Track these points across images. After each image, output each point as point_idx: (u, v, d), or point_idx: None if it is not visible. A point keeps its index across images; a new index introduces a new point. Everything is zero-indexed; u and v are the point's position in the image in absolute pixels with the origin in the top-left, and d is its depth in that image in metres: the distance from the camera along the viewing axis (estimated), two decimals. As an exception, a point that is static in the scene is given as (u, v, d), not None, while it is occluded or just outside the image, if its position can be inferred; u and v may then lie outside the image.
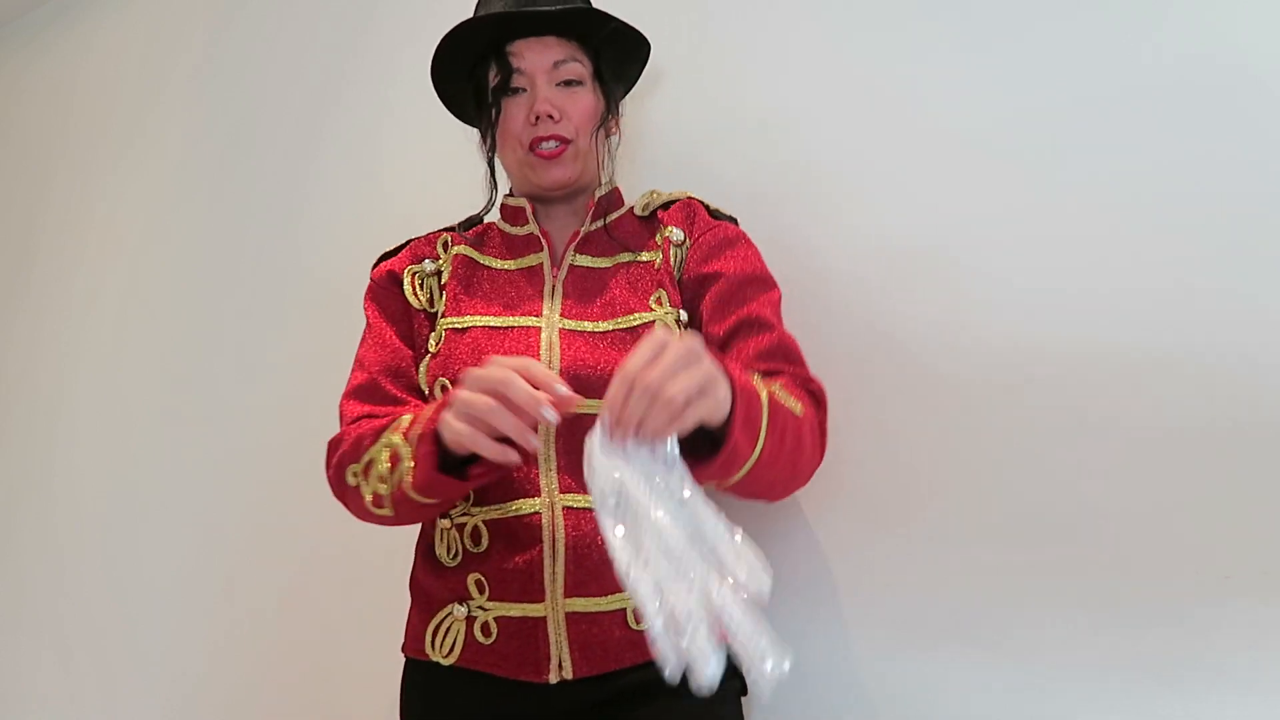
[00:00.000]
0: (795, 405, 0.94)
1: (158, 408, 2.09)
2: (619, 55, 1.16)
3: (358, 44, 1.83)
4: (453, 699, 1.02)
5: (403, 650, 1.09)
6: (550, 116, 1.07)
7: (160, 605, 2.00)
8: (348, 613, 1.67)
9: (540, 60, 1.08)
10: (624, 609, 1.00)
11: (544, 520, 0.98)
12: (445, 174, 1.62)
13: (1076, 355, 1.03)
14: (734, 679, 1.08)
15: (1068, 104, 1.06)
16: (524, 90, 1.09)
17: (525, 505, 0.99)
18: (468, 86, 1.17)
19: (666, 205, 1.16)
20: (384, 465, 0.94)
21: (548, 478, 1.00)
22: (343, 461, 1.01)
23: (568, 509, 0.98)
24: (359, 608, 1.65)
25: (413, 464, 0.90)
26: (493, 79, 1.10)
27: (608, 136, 1.16)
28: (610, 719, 0.99)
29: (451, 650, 1.01)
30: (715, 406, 0.78)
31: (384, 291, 1.13)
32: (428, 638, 1.03)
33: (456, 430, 0.84)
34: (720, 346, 1.05)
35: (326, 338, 1.76)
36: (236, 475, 1.90)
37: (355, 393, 1.08)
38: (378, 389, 1.07)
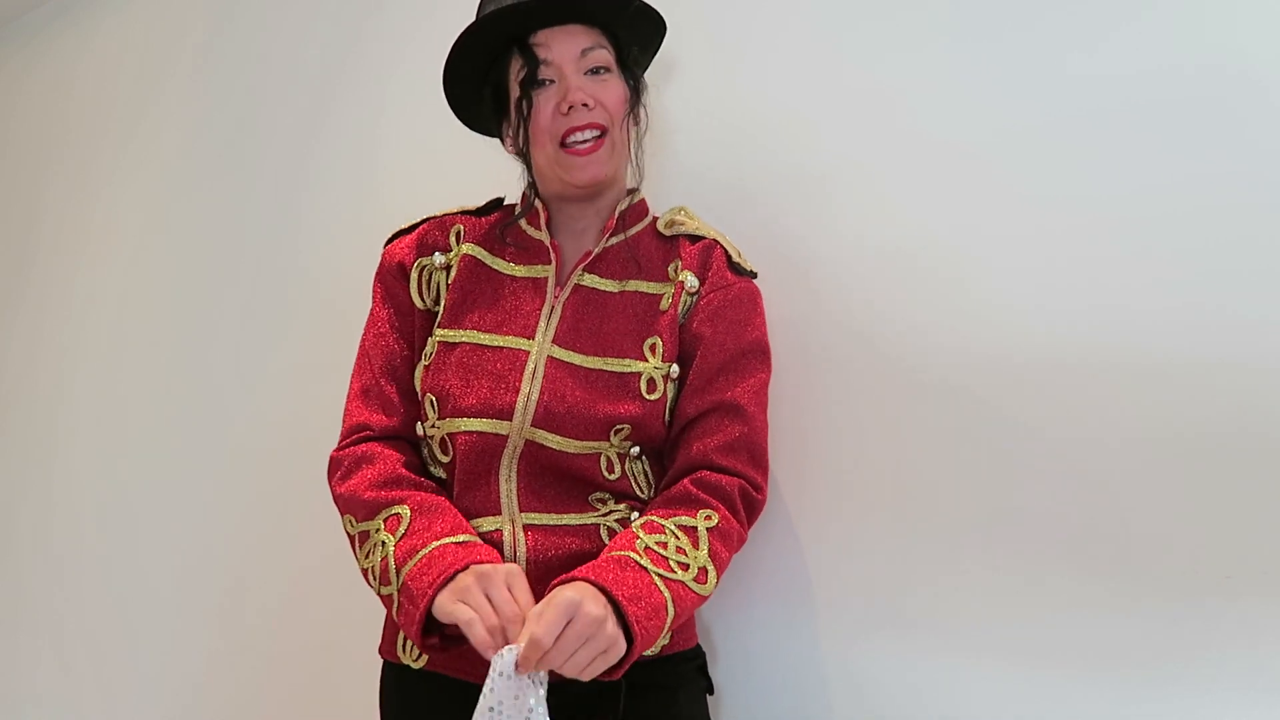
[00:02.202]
0: (705, 588, 0.97)
1: (156, 408, 2.09)
2: (638, 42, 1.13)
3: (356, 44, 1.83)
4: (423, 701, 1.05)
5: (379, 652, 1.11)
6: (585, 105, 1.03)
7: (159, 606, 2.00)
8: (347, 614, 1.67)
9: (568, 49, 1.04)
10: None
11: (505, 537, 1.00)
12: (444, 173, 1.62)
13: (1075, 357, 1.02)
14: (701, 678, 1.09)
15: (1064, 111, 1.06)
16: (552, 82, 1.04)
17: (486, 523, 1.01)
18: (482, 89, 1.12)
19: (693, 238, 1.12)
20: (375, 565, 0.98)
21: (509, 498, 1.01)
22: (339, 505, 1.05)
23: (528, 527, 1.00)
24: (358, 609, 1.65)
25: (399, 607, 0.94)
26: (517, 73, 1.06)
27: (635, 125, 1.13)
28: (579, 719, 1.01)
29: (421, 654, 1.04)
30: (613, 659, 0.86)
31: (392, 280, 1.12)
32: (399, 641, 1.06)
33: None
34: (689, 423, 1.05)
35: (326, 338, 1.76)
36: (235, 475, 1.90)
37: (360, 395, 1.10)
38: (379, 393, 1.09)
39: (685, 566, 0.95)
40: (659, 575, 0.92)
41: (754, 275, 1.13)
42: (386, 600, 0.97)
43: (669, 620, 0.91)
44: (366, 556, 1.00)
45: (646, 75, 1.21)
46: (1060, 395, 1.03)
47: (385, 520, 0.98)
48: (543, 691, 0.84)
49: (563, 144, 1.05)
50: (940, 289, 1.12)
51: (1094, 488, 1.01)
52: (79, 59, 2.55)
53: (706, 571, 0.96)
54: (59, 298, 2.44)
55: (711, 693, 1.12)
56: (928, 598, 1.09)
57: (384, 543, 0.97)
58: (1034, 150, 1.07)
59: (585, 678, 0.85)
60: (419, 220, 1.14)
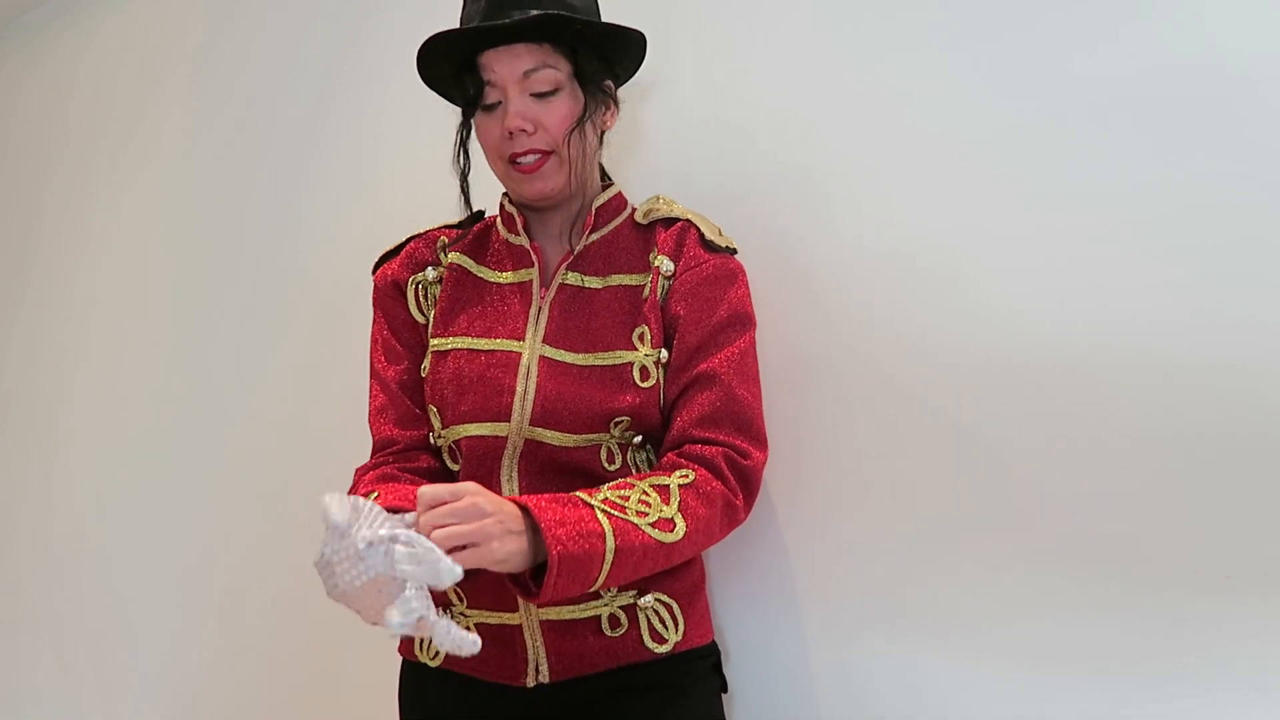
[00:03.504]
0: (669, 535, 0.94)
1: (156, 408, 2.09)
2: (603, 47, 1.10)
3: (356, 44, 1.82)
4: (440, 698, 1.07)
5: (399, 650, 1.12)
6: (523, 131, 1.03)
7: (159, 605, 2.01)
8: (348, 613, 1.66)
9: (510, 71, 1.03)
10: (598, 616, 1.02)
11: None
12: (444, 174, 1.61)
13: (1074, 357, 1.02)
14: (715, 676, 1.09)
15: (1062, 111, 1.05)
16: (499, 103, 1.05)
17: None
18: (455, 89, 1.14)
19: (668, 223, 1.12)
20: None
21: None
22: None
23: None
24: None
25: None
26: (467, 94, 1.07)
27: (600, 131, 1.12)
28: (591, 718, 1.02)
29: (438, 653, 1.06)
30: (484, 558, 0.83)
31: (389, 300, 1.14)
32: (416, 639, 1.08)
33: None
34: (672, 404, 1.06)
35: (326, 338, 1.76)
36: (235, 475, 1.90)
37: (381, 413, 1.12)
38: (401, 407, 1.11)
39: (644, 515, 0.93)
40: (603, 511, 0.91)
41: (733, 251, 1.12)
42: None
43: (608, 551, 0.88)
44: None
45: (640, 76, 1.20)
46: (1058, 395, 1.03)
47: None
48: (384, 532, 0.79)
49: (510, 162, 1.06)
50: (938, 289, 1.11)
51: (1093, 487, 1.01)
52: (79, 59, 2.55)
53: (673, 522, 0.94)
54: (59, 298, 2.43)
55: (725, 691, 1.12)
56: (932, 597, 1.10)
57: None
58: (1032, 150, 1.07)
59: (457, 558, 0.80)
60: (403, 241, 1.16)
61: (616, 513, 0.92)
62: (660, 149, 1.36)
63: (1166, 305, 0.98)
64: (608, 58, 1.12)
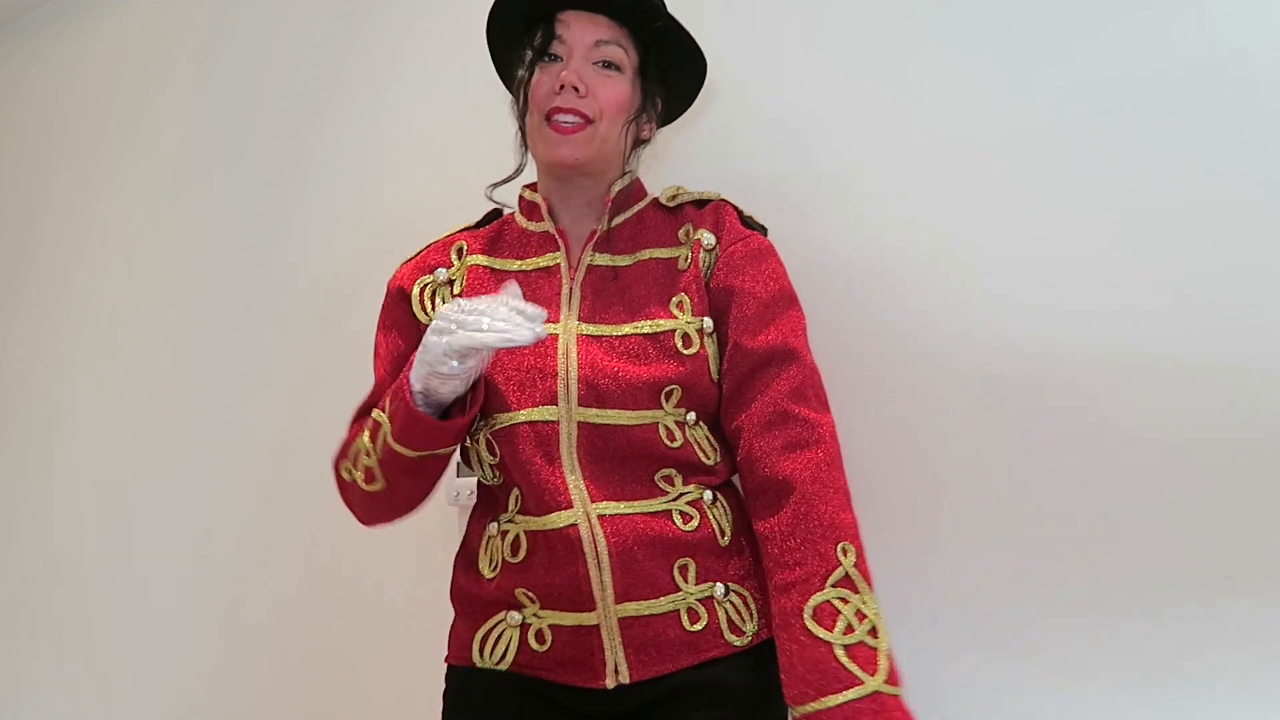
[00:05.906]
0: (869, 592, 0.95)
1: (156, 408, 2.09)
2: (671, 63, 1.12)
3: (355, 45, 1.82)
4: (504, 705, 1.02)
5: (446, 660, 1.08)
6: (575, 89, 1.04)
7: (159, 607, 2.01)
8: (348, 614, 1.67)
9: (583, 34, 1.05)
10: (677, 610, 0.98)
11: (582, 532, 0.97)
12: (444, 174, 1.62)
13: (1080, 360, 1.02)
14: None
15: (1063, 110, 1.06)
16: (560, 59, 1.06)
17: (561, 518, 0.98)
18: (522, 51, 1.12)
19: (699, 204, 1.12)
20: (366, 441, 1.00)
21: (577, 489, 0.99)
22: (337, 467, 1.06)
23: (603, 517, 0.97)
24: (359, 608, 1.65)
25: (390, 419, 0.97)
26: (535, 42, 1.07)
27: (639, 134, 1.12)
28: (672, 717, 0.99)
29: (504, 657, 1.01)
30: None
31: (395, 309, 1.12)
32: (475, 645, 1.03)
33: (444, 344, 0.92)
34: (752, 369, 1.02)
35: (326, 339, 1.76)
36: (233, 477, 1.90)
37: (361, 411, 1.10)
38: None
39: (863, 616, 0.93)
40: (852, 668, 0.90)
41: (764, 230, 1.12)
42: (385, 462, 1.00)
43: (882, 643, 0.92)
44: (364, 454, 1.02)
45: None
46: (1058, 393, 1.03)
47: (367, 432, 1.02)
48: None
49: (548, 117, 1.05)
50: (932, 288, 1.12)
51: (1095, 487, 1.01)
52: (79, 59, 2.55)
53: (867, 595, 0.95)
54: (59, 298, 2.44)
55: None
56: (924, 595, 1.10)
57: (374, 417, 1.01)
58: (1035, 149, 1.07)
59: None
60: (421, 249, 1.16)
61: (846, 640, 0.92)
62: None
63: (1169, 305, 0.98)
64: (673, 75, 1.14)
